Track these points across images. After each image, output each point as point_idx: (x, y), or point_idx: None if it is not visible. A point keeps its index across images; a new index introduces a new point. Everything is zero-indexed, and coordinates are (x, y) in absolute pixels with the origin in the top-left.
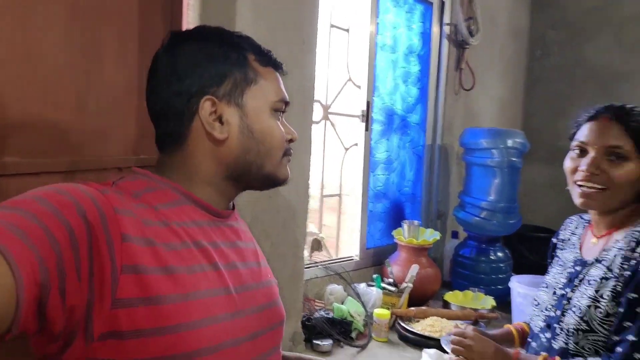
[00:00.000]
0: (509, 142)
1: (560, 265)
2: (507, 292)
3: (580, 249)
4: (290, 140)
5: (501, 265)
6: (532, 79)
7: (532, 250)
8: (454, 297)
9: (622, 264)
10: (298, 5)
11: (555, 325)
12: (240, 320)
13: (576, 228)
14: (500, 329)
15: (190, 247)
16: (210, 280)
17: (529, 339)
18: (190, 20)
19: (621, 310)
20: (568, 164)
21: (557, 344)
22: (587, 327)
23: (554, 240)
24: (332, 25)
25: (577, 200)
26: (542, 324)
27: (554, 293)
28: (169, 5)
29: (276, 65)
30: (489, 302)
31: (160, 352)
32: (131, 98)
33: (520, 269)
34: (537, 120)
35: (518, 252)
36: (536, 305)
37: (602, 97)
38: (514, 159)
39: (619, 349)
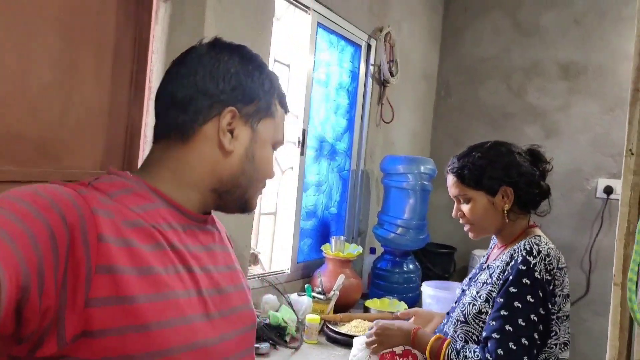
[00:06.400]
0: (422, 168)
1: (475, 268)
2: (416, 298)
3: (488, 256)
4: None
5: (412, 275)
6: (438, 115)
7: (435, 264)
8: (373, 303)
9: (499, 274)
10: (253, 43)
11: (452, 314)
12: (212, 322)
13: (494, 242)
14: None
15: (166, 249)
16: (184, 282)
17: None
18: (155, 49)
19: (491, 310)
20: None
21: (445, 328)
22: (463, 319)
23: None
24: (276, 60)
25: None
26: (447, 312)
27: (462, 289)
28: (138, 31)
29: (287, 110)
30: (402, 307)
31: (134, 350)
32: (103, 115)
33: (425, 279)
34: (441, 149)
35: (424, 265)
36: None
37: (493, 131)
38: (425, 183)
39: (490, 344)
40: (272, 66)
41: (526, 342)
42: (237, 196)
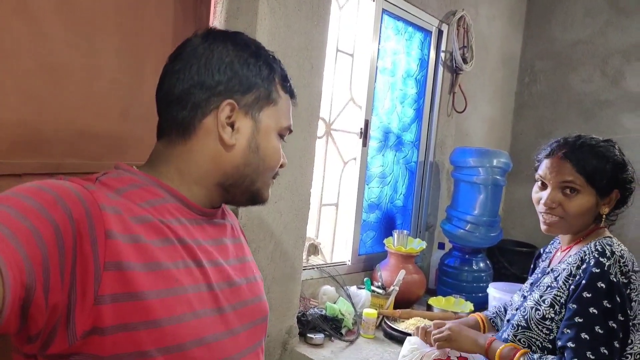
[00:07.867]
0: (494, 162)
1: (535, 273)
2: (485, 299)
3: (551, 260)
4: (281, 165)
5: (482, 274)
6: (520, 103)
7: (512, 263)
8: (437, 301)
9: (566, 277)
10: (308, 34)
11: (512, 320)
12: (223, 316)
13: (558, 243)
14: (467, 317)
15: (175, 244)
16: (194, 277)
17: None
18: None
19: (563, 317)
20: (533, 194)
21: (505, 335)
22: (525, 325)
23: (540, 251)
24: (339, 50)
25: (542, 227)
26: (506, 319)
27: (522, 295)
28: (198, 25)
29: (293, 95)
30: (468, 307)
31: (144, 346)
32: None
33: (500, 279)
34: (523, 141)
35: (500, 263)
36: (510, 305)
37: (585, 122)
38: (497, 177)
39: (566, 354)
40: (334, 56)
41: (606, 352)
42: (244, 188)
